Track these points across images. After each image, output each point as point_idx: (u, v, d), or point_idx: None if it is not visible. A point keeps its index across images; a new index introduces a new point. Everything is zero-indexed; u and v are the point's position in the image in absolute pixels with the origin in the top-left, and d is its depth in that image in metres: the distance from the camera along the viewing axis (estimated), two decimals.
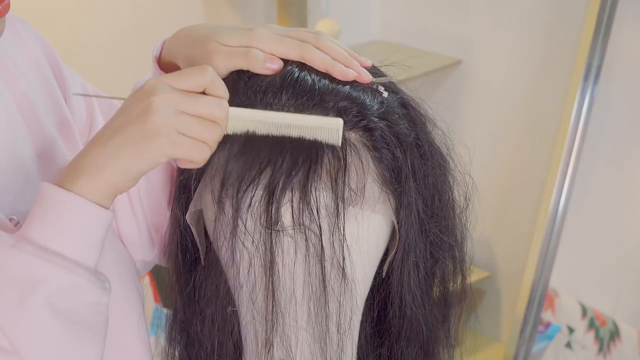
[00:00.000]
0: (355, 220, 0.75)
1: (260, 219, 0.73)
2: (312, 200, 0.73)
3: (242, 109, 0.72)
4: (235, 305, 0.79)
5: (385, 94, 0.77)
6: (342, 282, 0.76)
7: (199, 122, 0.68)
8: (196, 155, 0.69)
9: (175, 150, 0.68)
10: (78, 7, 1.89)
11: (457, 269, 0.87)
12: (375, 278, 0.81)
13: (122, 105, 0.71)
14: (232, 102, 0.75)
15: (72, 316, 0.69)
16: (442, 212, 0.82)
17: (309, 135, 0.72)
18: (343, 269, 0.75)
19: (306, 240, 0.74)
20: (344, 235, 0.74)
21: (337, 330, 0.77)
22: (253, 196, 0.73)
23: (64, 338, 0.69)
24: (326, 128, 0.72)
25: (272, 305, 0.75)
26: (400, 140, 0.76)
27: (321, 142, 0.72)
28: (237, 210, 0.73)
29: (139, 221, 0.94)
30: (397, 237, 0.78)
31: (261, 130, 0.72)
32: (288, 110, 0.73)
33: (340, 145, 0.73)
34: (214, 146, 0.70)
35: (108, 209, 0.70)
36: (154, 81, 0.69)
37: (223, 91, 0.71)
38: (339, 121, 0.72)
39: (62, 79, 0.92)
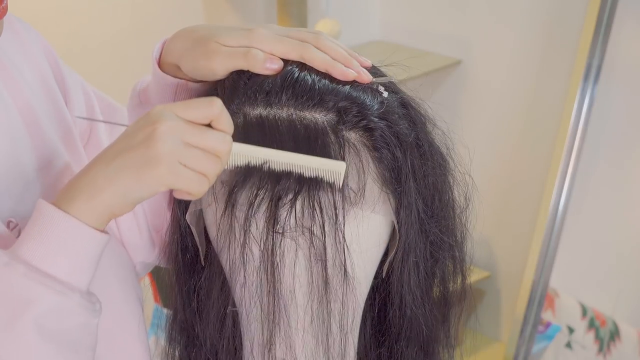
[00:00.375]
0: (355, 220, 0.75)
1: (264, 222, 0.73)
2: (313, 201, 0.73)
3: (246, 145, 0.72)
4: (235, 305, 0.79)
5: (385, 94, 0.77)
6: (344, 282, 0.76)
7: (202, 154, 0.68)
8: (195, 188, 0.69)
9: (175, 181, 0.68)
10: (78, 8, 1.89)
11: (457, 269, 0.87)
12: (375, 278, 0.81)
13: (127, 129, 0.70)
14: (232, 102, 0.75)
15: (60, 337, 0.69)
16: (442, 212, 0.82)
17: (310, 173, 0.72)
18: (345, 270, 0.75)
19: (308, 241, 0.74)
20: (343, 235, 0.74)
21: (339, 331, 0.77)
22: (257, 199, 0.73)
23: (50, 358, 0.68)
24: (328, 170, 0.72)
25: (275, 307, 0.75)
26: (400, 140, 0.76)
27: (323, 143, 0.72)
28: (246, 215, 0.73)
29: (139, 222, 0.94)
30: (397, 237, 0.78)
31: (262, 164, 0.72)
32: (288, 110, 0.73)
33: (340, 186, 0.72)
34: (213, 180, 0.70)
35: (103, 231, 0.70)
36: (161, 108, 0.69)
37: (229, 126, 0.70)
38: (342, 165, 0.72)
39: (62, 79, 0.92)
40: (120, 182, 0.67)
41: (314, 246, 0.74)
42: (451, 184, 0.83)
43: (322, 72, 0.75)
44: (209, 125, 0.69)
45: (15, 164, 0.80)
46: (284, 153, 0.71)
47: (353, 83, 0.75)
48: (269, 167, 0.72)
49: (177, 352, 0.89)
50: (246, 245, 0.74)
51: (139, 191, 0.68)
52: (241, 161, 0.72)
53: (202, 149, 0.68)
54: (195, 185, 0.68)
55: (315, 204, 0.72)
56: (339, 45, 0.77)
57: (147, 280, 1.85)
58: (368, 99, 0.75)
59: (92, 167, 0.69)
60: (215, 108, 0.69)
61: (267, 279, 0.75)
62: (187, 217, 0.79)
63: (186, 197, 0.69)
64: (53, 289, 0.67)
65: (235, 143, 0.70)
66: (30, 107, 0.84)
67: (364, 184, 0.74)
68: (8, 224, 0.79)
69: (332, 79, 0.75)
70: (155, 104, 0.85)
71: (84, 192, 0.68)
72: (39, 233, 0.68)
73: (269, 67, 0.74)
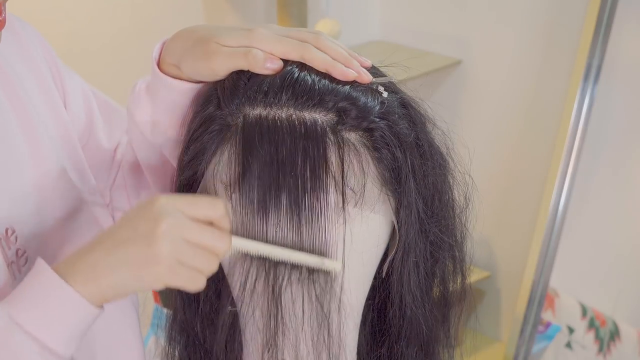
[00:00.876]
0: (355, 220, 0.75)
1: (263, 217, 0.73)
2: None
3: (244, 240, 0.73)
4: (235, 305, 0.79)
5: (385, 94, 0.77)
6: (341, 281, 0.76)
7: (200, 253, 0.70)
8: (191, 286, 0.71)
9: (173, 280, 0.70)
10: (78, 8, 1.89)
11: (457, 268, 0.87)
12: (375, 278, 0.81)
13: (130, 214, 0.72)
14: (232, 102, 0.75)
15: None
16: (442, 212, 0.82)
17: (306, 266, 0.73)
18: (342, 268, 0.75)
19: (309, 238, 0.74)
20: (342, 235, 0.74)
21: (338, 331, 0.77)
22: (254, 195, 0.73)
23: None
24: (324, 268, 0.73)
25: (274, 310, 0.75)
26: (400, 141, 0.76)
27: (322, 143, 0.73)
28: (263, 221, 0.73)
29: None
30: (397, 237, 0.78)
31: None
32: (288, 110, 0.73)
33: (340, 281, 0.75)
34: (209, 275, 0.72)
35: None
36: (165, 202, 0.70)
37: (229, 226, 0.72)
38: (338, 264, 0.73)
39: (60, 81, 0.92)
40: (119, 275, 0.69)
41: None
42: (451, 183, 0.83)
43: (322, 72, 0.75)
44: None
45: (11, 171, 0.80)
46: (282, 250, 0.73)
47: (353, 83, 0.75)
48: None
49: (177, 352, 0.89)
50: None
51: (136, 286, 0.70)
52: (241, 250, 0.74)
53: (202, 246, 0.70)
54: (191, 284, 0.71)
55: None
56: (339, 45, 0.77)
57: None
58: (368, 99, 0.75)
59: (93, 250, 0.71)
60: (218, 210, 0.71)
61: (265, 278, 0.75)
62: None
63: (182, 289, 0.72)
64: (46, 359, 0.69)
65: (234, 237, 0.72)
66: (27, 113, 0.84)
67: (364, 184, 0.74)
68: (6, 232, 0.79)
69: (332, 79, 0.74)
70: (153, 105, 0.85)
71: (82, 275, 0.70)
72: (36, 297, 0.70)
73: (269, 67, 0.74)
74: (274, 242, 0.73)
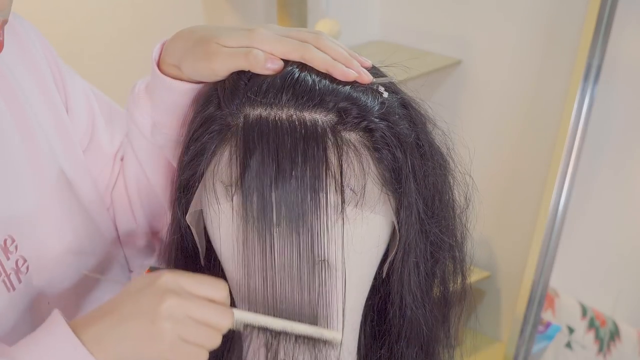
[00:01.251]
0: (355, 220, 0.75)
1: (263, 217, 0.73)
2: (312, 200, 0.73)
3: (246, 313, 0.74)
4: (235, 305, 0.79)
5: (386, 95, 0.77)
6: (339, 280, 0.76)
7: (202, 330, 0.71)
8: None
9: (175, 356, 0.71)
10: (78, 8, 1.89)
11: (457, 269, 0.87)
12: (375, 278, 0.81)
13: (134, 288, 0.72)
14: (232, 103, 0.74)
15: None
16: (443, 212, 0.82)
17: (307, 336, 0.75)
18: (343, 268, 0.75)
19: (309, 239, 0.74)
20: (341, 235, 0.74)
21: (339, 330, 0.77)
22: (252, 192, 0.73)
23: None
24: (324, 338, 0.74)
25: (273, 304, 0.75)
26: (401, 141, 0.76)
27: (322, 144, 0.72)
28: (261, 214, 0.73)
29: (139, 226, 0.94)
30: (398, 238, 0.78)
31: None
32: (288, 111, 0.73)
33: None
34: (211, 349, 0.73)
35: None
36: (170, 279, 0.71)
37: (229, 303, 0.73)
38: (338, 335, 0.74)
39: (62, 83, 0.92)
40: (123, 349, 0.71)
41: (314, 245, 0.74)
42: (451, 184, 0.83)
43: (322, 73, 0.75)
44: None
45: (8, 176, 0.80)
46: (282, 322, 0.74)
47: (353, 83, 0.75)
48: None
49: None
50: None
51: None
52: (242, 323, 0.75)
53: (204, 323, 0.71)
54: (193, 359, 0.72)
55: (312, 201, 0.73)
56: (339, 46, 0.77)
57: None
58: (368, 100, 0.75)
59: (99, 321, 0.72)
60: (222, 292, 0.72)
61: (263, 274, 0.75)
62: (187, 217, 0.79)
63: None
64: None
65: (236, 311, 0.73)
66: (25, 115, 0.84)
67: (364, 185, 0.74)
68: (5, 242, 0.79)
69: (332, 79, 0.74)
70: (153, 106, 0.85)
71: (88, 345, 0.71)
72: (55, 357, 0.70)
73: (270, 67, 0.74)
74: (275, 314, 0.74)
